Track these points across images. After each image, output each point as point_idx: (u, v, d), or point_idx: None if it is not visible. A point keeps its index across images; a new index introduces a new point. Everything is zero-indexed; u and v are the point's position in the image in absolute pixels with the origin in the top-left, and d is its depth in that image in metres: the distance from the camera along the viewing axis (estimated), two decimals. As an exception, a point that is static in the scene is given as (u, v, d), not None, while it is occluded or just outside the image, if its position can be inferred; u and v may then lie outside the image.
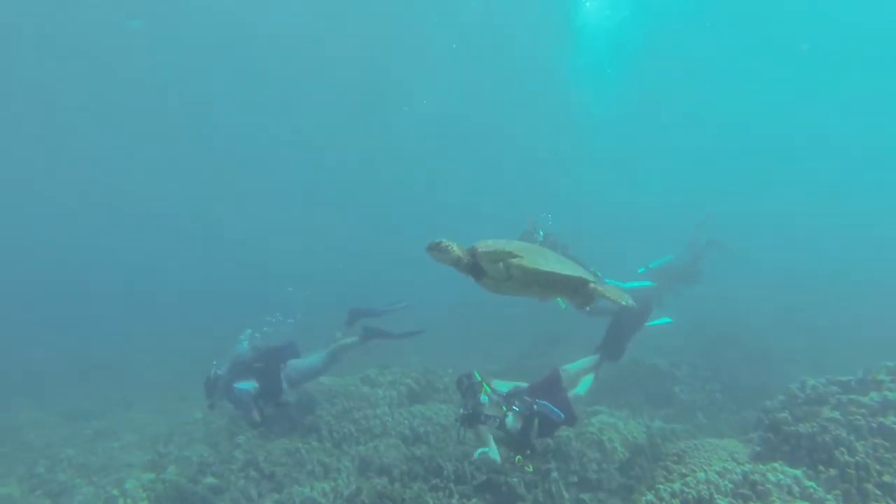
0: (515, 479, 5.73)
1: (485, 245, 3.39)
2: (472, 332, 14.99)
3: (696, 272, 11.12)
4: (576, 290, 3.67)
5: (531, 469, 5.78)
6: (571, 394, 5.82)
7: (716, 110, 33.06)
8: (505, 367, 11.10)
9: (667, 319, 10.10)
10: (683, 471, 4.16)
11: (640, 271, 10.48)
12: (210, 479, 6.61)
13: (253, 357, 6.88)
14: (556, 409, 5.26)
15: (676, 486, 3.61)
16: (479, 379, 5.31)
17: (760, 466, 3.55)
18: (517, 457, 5.21)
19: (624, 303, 3.61)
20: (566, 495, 5.74)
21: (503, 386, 5.66)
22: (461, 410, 5.22)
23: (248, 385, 6.71)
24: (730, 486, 3.42)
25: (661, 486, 3.67)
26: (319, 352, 7.45)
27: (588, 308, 3.69)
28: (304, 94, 29.16)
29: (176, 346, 16.02)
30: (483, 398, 5.21)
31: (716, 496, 3.32)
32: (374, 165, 35.64)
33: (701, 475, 3.63)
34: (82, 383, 13.32)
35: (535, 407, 5.23)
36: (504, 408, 5.16)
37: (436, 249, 3.26)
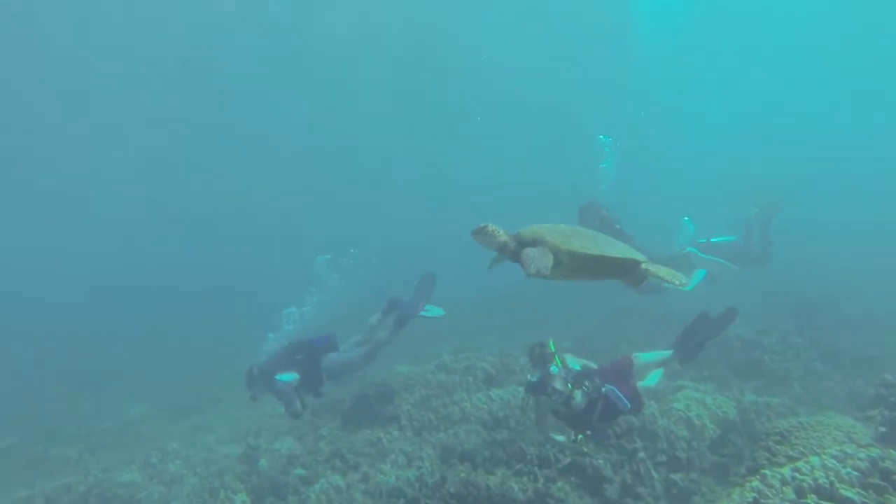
0: (601, 461, 5.60)
1: (530, 231, 3.28)
2: (543, 311, 14.73)
3: (764, 256, 10.23)
4: (627, 271, 3.50)
5: (586, 450, 5.70)
6: (640, 385, 5.59)
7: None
8: (576, 343, 10.84)
9: (703, 273, 9.46)
10: (790, 452, 3.83)
11: (698, 242, 9.82)
12: (299, 471, 6.90)
13: (293, 349, 6.88)
14: (622, 397, 5.06)
15: (786, 471, 3.31)
16: (553, 350, 5.18)
17: (893, 452, 3.18)
18: (578, 436, 5.06)
19: (677, 282, 3.40)
20: (655, 475, 5.55)
21: (575, 363, 5.51)
22: (528, 377, 5.13)
23: (289, 376, 6.71)
24: (855, 474, 3.09)
25: (767, 472, 3.38)
26: (358, 346, 7.42)
27: (643, 286, 3.51)
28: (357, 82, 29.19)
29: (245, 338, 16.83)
30: (553, 369, 5.08)
31: (838, 485, 3.00)
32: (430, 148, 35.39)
33: (815, 459, 3.30)
34: (178, 381, 14.32)
35: (603, 390, 5.05)
36: (570, 385, 5.00)
37: (481, 234, 3.18)
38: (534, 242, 3.19)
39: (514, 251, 3.26)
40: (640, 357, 5.92)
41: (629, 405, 5.08)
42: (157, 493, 6.90)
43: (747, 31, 28.49)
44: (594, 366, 5.73)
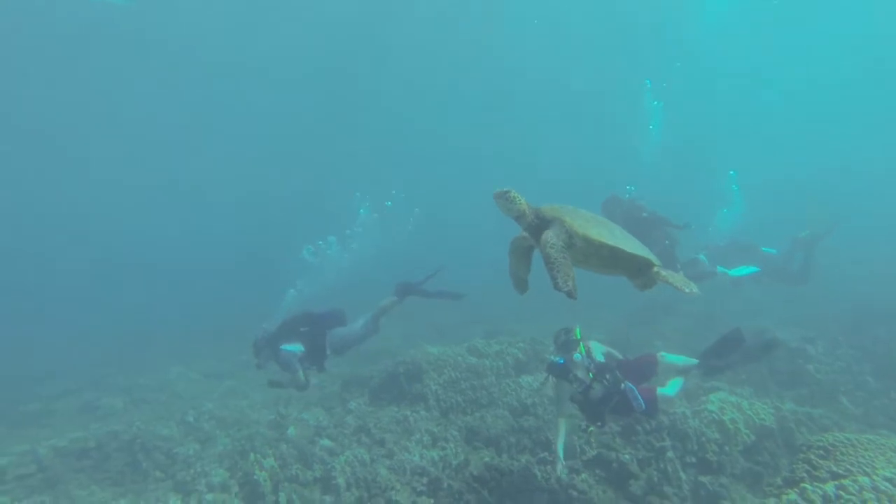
0: (627, 457, 5.51)
1: (551, 208, 3.24)
2: (580, 300, 14.53)
3: (802, 278, 9.80)
4: (639, 270, 3.43)
5: (594, 441, 5.69)
6: (659, 391, 5.41)
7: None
8: (609, 335, 10.65)
9: (753, 269, 9.13)
10: (835, 469, 3.62)
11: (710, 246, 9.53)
12: (326, 442, 7.05)
13: (300, 320, 6.82)
14: (640, 398, 4.91)
15: (829, 487, 3.15)
16: (578, 337, 5.09)
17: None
18: (589, 427, 4.97)
19: (688, 291, 3.28)
20: (683, 476, 5.42)
21: (599, 350, 5.39)
22: (550, 357, 5.06)
23: (295, 347, 6.66)
24: (910, 499, 2.90)
25: (807, 486, 3.23)
26: (362, 318, 7.28)
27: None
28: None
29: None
30: (577, 356, 5.00)
31: (889, 508, 2.83)
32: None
33: (864, 480, 3.12)
34: (216, 345, 14.88)
35: (622, 386, 4.93)
36: (592, 374, 4.90)
37: (503, 198, 3.16)
38: (552, 220, 3.17)
39: (531, 223, 3.23)
40: (666, 357, 5.75)
41: (644, 406, 4.94)
42: (192, 450, 7.18)
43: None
44: (619, 356, 5.61)
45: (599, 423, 4.96)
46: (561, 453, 5.07)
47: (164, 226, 38.94)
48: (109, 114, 26.45)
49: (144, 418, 8.47)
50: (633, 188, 8.84)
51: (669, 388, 5.68)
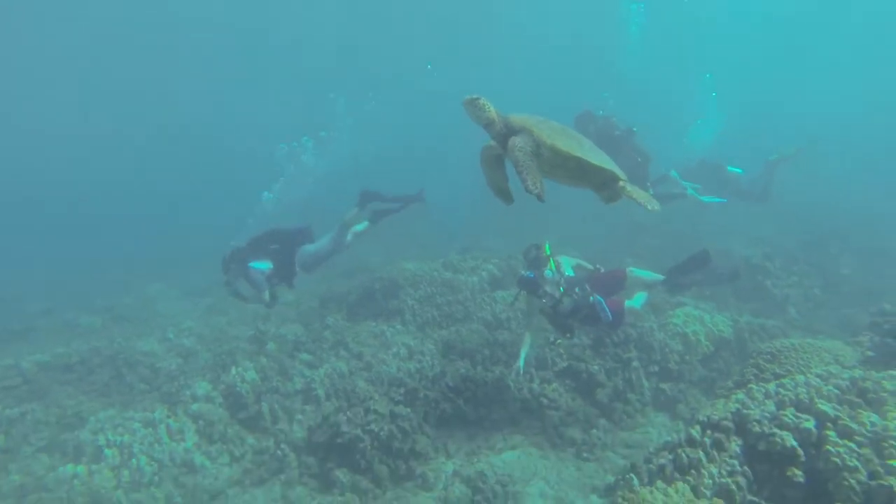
0: (596, 367, 5.86)
1: (520, 117, 3.24)
2: (554, 217, 14.71)
3: (764, 193, 9.98)
4: (604, 183, 3.48)
5: (563, 350, 6.02)
6: (627, 303, 5.68)
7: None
8: (582, 254, 10.94)
9: (722, 199, 9.39)
10: (778, 370, 3.96)
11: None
12: (305, 356, 7.28)
13: (269, 238, 6.81)
14: (607, 309, 5.14)
15: (771, 386, 3.44)
16: (549, 253, 5.25)
17: (874, 373, 3.28)
18: (557, 339, 5.25)
19: (650, 208, 3.37)
20: (646, 384, 5.84)
21: (568, 264, 5.56)
22: (522, 272, 5.24)
23: (263, 265, 6.65)
24: (835, 391, 3.21)
25: (753, 386, 3.52)
26: (329, 234, 7.27)
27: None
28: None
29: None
30: (547, 272, 5.18)
31: (817, 400, 3.13)
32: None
33: (800, 377, 3.42)
34: (196, 266, 14.82)
35: (591, 299, 5.15)
36: (562, 289, 5.10)
37: (472, 105, 3.15)
38: (520, 130, 3.17)
39: (500, 132, 3.23)
40: (634, 272, 6.00)
41: (611, 318, 5.18)
42: (174, 364, 7.37)
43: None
44: (589, 266, 5.80)
45: (568, 335, 5.21)
46: (522, 361, 5.37)
47: (129, 141, 37.30)
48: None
49: (125, 335, 8.57)
50: (608, 95, 8.65)
51: (636, 301, 5.96)
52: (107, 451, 5.13)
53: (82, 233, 23.12)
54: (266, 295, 6.53)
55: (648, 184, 8.25)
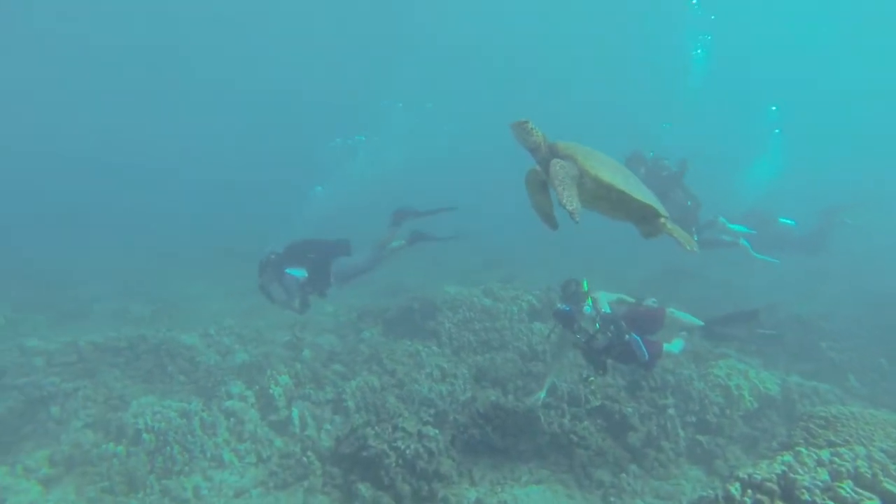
0: (630, 410, 5.69)
1: (566, 145, 3.23)
2: (598, 255, 14.50)
3: (820, 244, 9.52)
4: (644, 218, 3.44)
5: (596, 389, 5.87)
6: (665, 346, 5.49)
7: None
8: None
9: (775, 260, 8.98)
10: (833, 438, 3.73)
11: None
12: (338, 366, 7.36)
13: (307, 247, 6.92)
14: (643, 349, 4.98)
15: (824, 454, 3.24)
16: (586, 290, 5.16)
17: (953, 457, 3.02)
18: (590, 377, 5.11)
19: (689, 248, 3.31)
20: (682, 434, 5.61)
21: (606, 300, 5.39)
22: (558, 305, 5.15)
23: (299, 272, 6.74)
24: (904, 471, 2.98)
25: (802, 450, 3.33)
26: (366, 251, 7.34)
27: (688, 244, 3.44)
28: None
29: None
30: (585, 308, 5.09)
31: (882, 478, 2.91)
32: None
33: (860, 449, 3.20)
34: (241, 267, 15.33)
35: (626, 337, 5.00)
36: (598, 325, 4.97)
37: (520, 128, 3.16)
38: (566, 157, 3.16)
39: (545, 158, 3.22)
40: (674, 312, 5.83)
41: (647, 357, 5.02)
42: (213, 359, 7.59)
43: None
44: (631, 300, 5.66)
45: (601, 372, 5.09)
46: (544, 392, 5.33)
47: (185, 135, 39.04)
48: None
49: (170, 326, 8.90)
50: (669, 125, 8.52)
51: (674, 346, 5.79)
52: (145, 435, 5.29)
53: (136, 227, 24.35)
54: (297, 302, 6.67)
55: (693, 229, 8.06)
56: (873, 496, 2.81)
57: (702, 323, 5.87)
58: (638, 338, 5.05)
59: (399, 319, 8.67)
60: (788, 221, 9.87)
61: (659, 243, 3.79)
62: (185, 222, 24.90)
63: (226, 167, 38.57)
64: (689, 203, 8.05)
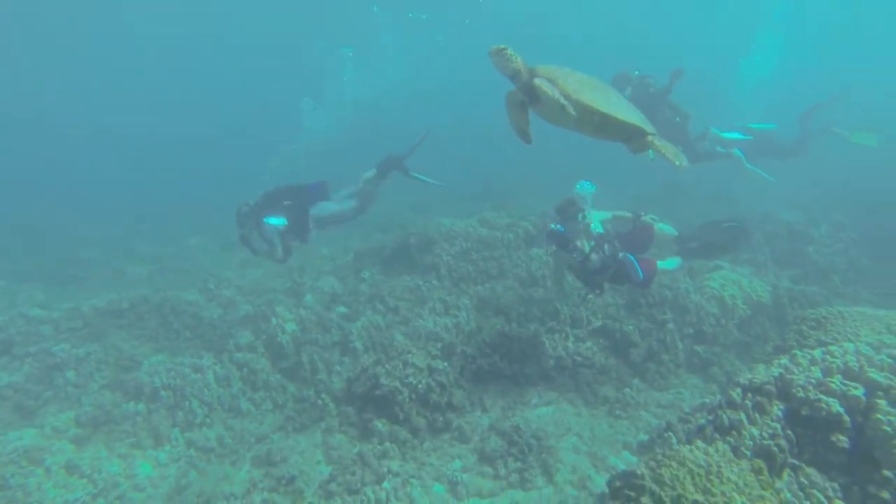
0: (630, 327, 5.88)
1: (546, 69, 3.20)
2: (597, 170, 14.35)
3: (800, 145, 9.34)
4: (630, 137, 3.45)
5: (596, 309, 6.01)
6: (659, 264, 5.54)
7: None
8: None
9: (769, 177, 8.87)
10: (823, 338, 3.91)
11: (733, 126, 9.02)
12: (341, 308, 7.48)
13: (283, 193, 6.65)
14: (639, 268, 5.06)
15: (817, 353, 3.41)
16: (593, 190, 5.25)
17: (933, 345, 3.21)
18: (588, 295, 5.23)
19: (678, 163, 3.35)
20: (680, 346, 5.85)
21: (598, 219, 5.35)
22: (552, 225, 5.13)
23: (278, 220, 6.52)
24: (888, 361, 3.17)
25: (797, 352, 3.49)
26: (349, 195, 7.07)
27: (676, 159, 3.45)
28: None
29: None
30: (580, 217, 5.02)
31: (868, 369, 3.10)
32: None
33: (849, 345, 3.38)
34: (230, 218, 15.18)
35: (619, 255, 5.07)
36: (591, 244, 5.00)
37: (498, 55, 3.14)
38: (546, 81, 3.15)
39: (526, 83, 3.20)
40: (663, 228, 5.84)
41: (642, 277, 5.09)
42: (216, 314, 7.68)
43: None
44: (629, 214, 5.61)
45: (598, 292, 5.19)
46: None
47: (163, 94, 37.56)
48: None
49: (169, 285, 8.92)
50: (639, 72, 8.26)
51: (669, 263, 5.87)
52: (162, 392, 5.46)
53: (127, 184, 23.79)
54: (279, 251, 6.51)
55: (684, 145, 7.94)
56: (859, 385, 3.02)
57: (676, 233, 5.95)
58: (631, 256, 5.12)
59: (396, 256, 8.70)
60: (768, 126, 9.61)
61: (653, 161, 3.78)
62: (167, 180, 24.32)
63: (202, 125, 37.16)
64: (677, 119, 7.94)
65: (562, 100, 3.09)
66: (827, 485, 2.88)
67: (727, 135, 8.59)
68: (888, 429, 2.78)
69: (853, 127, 9.37)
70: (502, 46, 3.13)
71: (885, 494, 2.75)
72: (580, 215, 5.05)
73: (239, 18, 31.00)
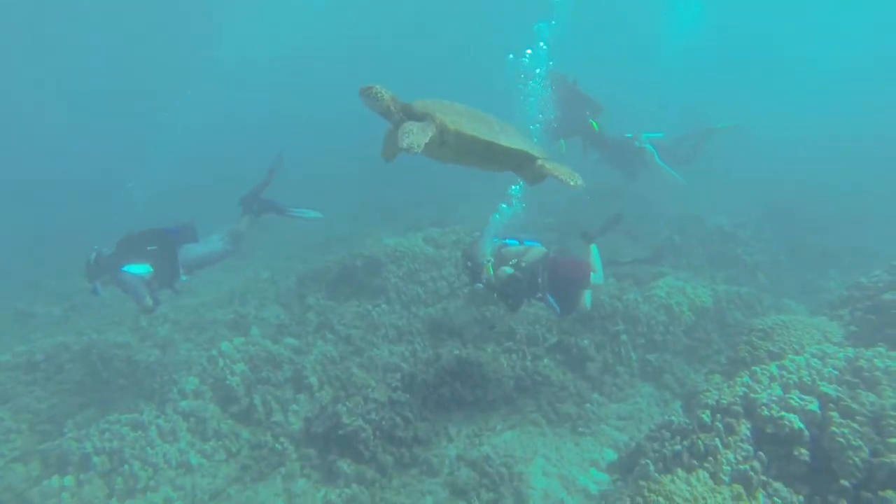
0: (586, 342, 6.00)
1: (422, 103, 3.15)
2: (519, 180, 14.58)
3: (690, 156, 10.04)
4: (521, 165, 3.44)
5: (555, 328, 6.20)
6: (594, 279, 5.74)
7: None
8: (556, 220, 11.05)
9: (680, 178, 9.47)
10: (772, 348, 4.16)
11: (626, 136, 9.55)
12: (290, 340, 7.11)
13: (145, 238, 6.09)
14: (556, 306, 5.32)
15: (773, 368, 3.61)
16: (486, 262, 5.11)
17: (865, 351, 3.48)
18: (494, 326, 5.62)
19: (573, 183, 3.37)
20: (633, 356, 6.03)
21: (490, 250, 5.31)
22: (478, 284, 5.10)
23: (140, 269, 5.96)
24: (834, 372, 3.40)
25: (756, 368, 3.68)
26: (219, 237, 6.72)
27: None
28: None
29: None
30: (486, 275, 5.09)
31: (819, 382, 3.30)
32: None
33: (800, 359, 3.60)
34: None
35: (538, 295, 5.25)
36: (502, 278, 4.98)
37: (366, 95, 3.08)
38: (423, 116, 3.07)
39: (398, 121, 3.13)
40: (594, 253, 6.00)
41: (559, 312, 5.39)
42: (153, 356, 7.06)
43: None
44: (543, 249, 5.43)
45: (513, 311, 5.26)
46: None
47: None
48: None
49: (93, 325, 8.13)
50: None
51: (599, 277, 5.98)
52: (94, 458, 4.92)
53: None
54: (147, 301, 5.89)
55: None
56: (813, 399, 3.22)
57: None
58: (551, 297, 5.26)
59: (342, 279, 8.38)
60: (656, 134, 10.08)
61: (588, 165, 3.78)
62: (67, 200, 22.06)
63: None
64: (587, 112, 8.23)
65: (431, 135, 2.99)
66: (794, 498, 3.03)
67: (645, 135, 9.07)
68: (842, 441, 2.96)
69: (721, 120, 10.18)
70: (370, 85, 3.04)
71: (843, 503, 2.93)
72: (483, 272, 5.04)
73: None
